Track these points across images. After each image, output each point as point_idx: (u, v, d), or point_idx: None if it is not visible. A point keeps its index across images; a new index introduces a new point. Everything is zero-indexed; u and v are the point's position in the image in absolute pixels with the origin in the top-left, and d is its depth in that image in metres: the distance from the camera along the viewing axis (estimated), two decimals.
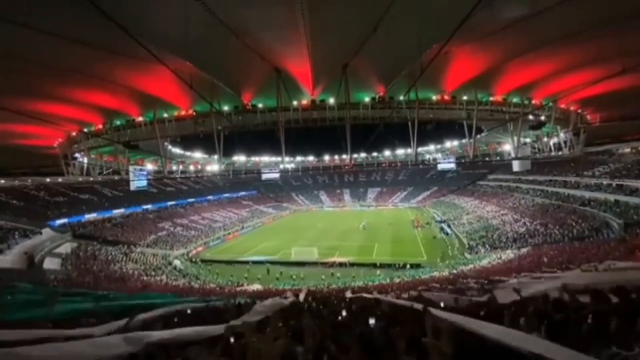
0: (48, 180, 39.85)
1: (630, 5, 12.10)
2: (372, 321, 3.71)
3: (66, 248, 28.88)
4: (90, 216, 39.93)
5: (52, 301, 6.10)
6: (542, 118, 25.68)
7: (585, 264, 10.82)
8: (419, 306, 4.33)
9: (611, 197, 28.83)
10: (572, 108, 27.86)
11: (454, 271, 23.91)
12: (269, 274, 28.80)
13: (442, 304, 6.69)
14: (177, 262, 33.05)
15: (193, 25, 11.93)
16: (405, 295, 10.97)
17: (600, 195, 30.41)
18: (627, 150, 37.20)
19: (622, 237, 20.44)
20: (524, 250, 26.01)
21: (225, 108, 22.31)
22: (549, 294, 4.44)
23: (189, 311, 7.62)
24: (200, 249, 39.76)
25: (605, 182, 32.04)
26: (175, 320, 6.23)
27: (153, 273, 27.53)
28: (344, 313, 5.80)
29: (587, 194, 32.48)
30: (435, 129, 24.73)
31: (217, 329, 3.39)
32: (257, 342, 2.66)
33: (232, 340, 2.97)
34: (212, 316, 6.50)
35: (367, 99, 22.42)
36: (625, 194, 27.79)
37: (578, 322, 2.70)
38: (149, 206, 50.01)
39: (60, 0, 9.59)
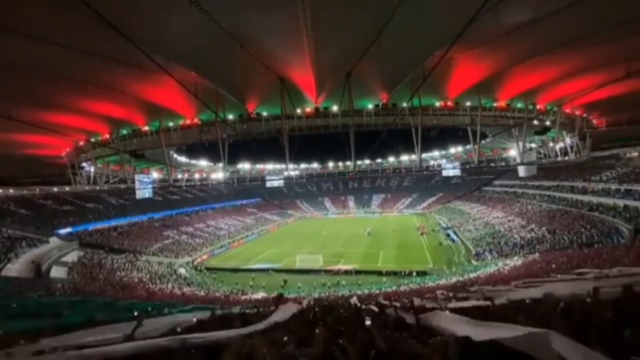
0: (55, 189, 40.41)
1: (635, 9, 12.08)
2: (368, 322, 3.69)
3: (73, 257, 29.05)
4: (97, 225, 40.24)
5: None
6: (547, 123, 25.54)
7: (596, 270, 10.62)
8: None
9: (620, 202, 28.38)
10: (577, 113, 27.70)
11: (461, 278, 23.61)
12: (285, 284, 28.08)
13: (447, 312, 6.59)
14: (182, 270, 33.05)
15: (198, 35, 12.15)
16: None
17: (609, 201, 29.95)
18: (635, 154, 36.71)
19: (632, 243, 20.08)
20: (531, 256, 25.64)
21: (230, 116, 22.53)
22: (559, 300, 4.35)
23: (194, 319, 7.58)
24: (205, 256, 39.74)
25: (613, 186, 31.59)
26: (178, 330, 6.20)
27: (158, 281, 27.53)
28: (349, 321, 5.74)
29: (595, 199, 32.00)
30: (439, 135, 24.74)
31: (224, 334, 3.38)
32: (263, 349, 2.64)
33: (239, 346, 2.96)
34: (218, 325, 6.46)
35: (370, 106, 22.53)
36: (634, 198, 27.33)
37: (588, 329, 2.65)
38: (154, 214, 50.28)
39: (68, 12, 9.80)
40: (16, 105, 16.25)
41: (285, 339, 3.33)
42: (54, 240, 31.28)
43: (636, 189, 28.19)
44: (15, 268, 23.51)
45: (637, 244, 19.39)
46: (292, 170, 60.68)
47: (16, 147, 25.17)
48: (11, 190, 37.05)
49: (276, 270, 32.16)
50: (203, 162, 50.60)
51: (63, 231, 35.01)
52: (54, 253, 28.38)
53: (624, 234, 23.46)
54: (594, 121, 30.85)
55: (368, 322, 3.69)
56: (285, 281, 28.67)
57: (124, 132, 25.06)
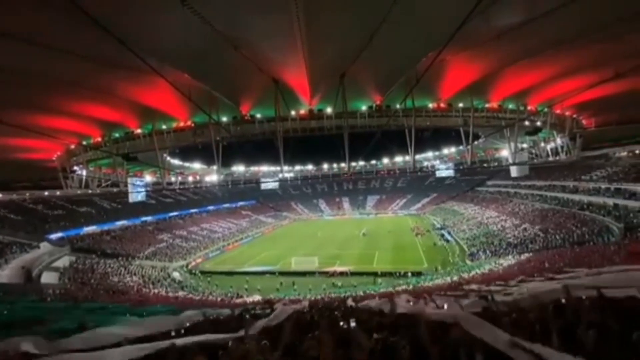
0: (46, 193, 39.84)
1: (623, 10, 12.32)
2: (353, 324, 3.71)
3: (64, 262, 28.61)
4: (89, 229, 39.70)
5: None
6: (538, 124, 25.89)
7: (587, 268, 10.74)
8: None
9: (610, 201, 28.87)
10: (567, 113, 28.12)
11: (455, 278, 23.75)
12: (294, 286, 27.57)
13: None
14: (176, 274, 32.72)
15: (191, 37, 12.09)
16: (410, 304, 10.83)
17: (599, 200, 30.45)
18: (624, 153, 37.38)
19: (623, 241, 20.41)
20: (524, 255, 25.91)
21: (224, 119, 22.42)
22: (550, 300, 4.39)
23: (187, 324, 7.51)
24: (199, 260, 39.44)
25: (603, 186, 32.13)
26: (173, 334, 6.13)
27: (152, 286, 27.23)
28: (345, 325, 5.73)
29: (586, 198, 32.52)
30: (433, 136, 24.89)
31: (218, 337, 3.36)
32: (257, 353, 2.64)
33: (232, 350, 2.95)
34: (212, 328, 6.40)
35: (364, 108, 22.59)
36: (624, 197, 27.84)
37: (581, 330, 2.67)
38: (147, 218, 49.80)
39: (60, 15, 9.69)
40: (6, 109, 16.03)
41: (279, 341, 3.31)
42: (44, 245, 30.79)
43: (625, 188, 28.72)
44: (5, 274, 23.10)
45: (627, 242, 19.72)
46: (287, 172, 60.67)
47: (6, 151, 24.75)
48: (0, 195, 36.42)
49: (273, 273, 32.06)
50: (197, 165, 50.25)
51: (54, 236, 34.50)
52: (45, 258, 27.92)
53: (614, 232, 23.87)
54: (584, 121, 31.37)
55: (353, 324, 3.69)
56: (293, 283, 28.27)
57: (116, 135, 24.80)
